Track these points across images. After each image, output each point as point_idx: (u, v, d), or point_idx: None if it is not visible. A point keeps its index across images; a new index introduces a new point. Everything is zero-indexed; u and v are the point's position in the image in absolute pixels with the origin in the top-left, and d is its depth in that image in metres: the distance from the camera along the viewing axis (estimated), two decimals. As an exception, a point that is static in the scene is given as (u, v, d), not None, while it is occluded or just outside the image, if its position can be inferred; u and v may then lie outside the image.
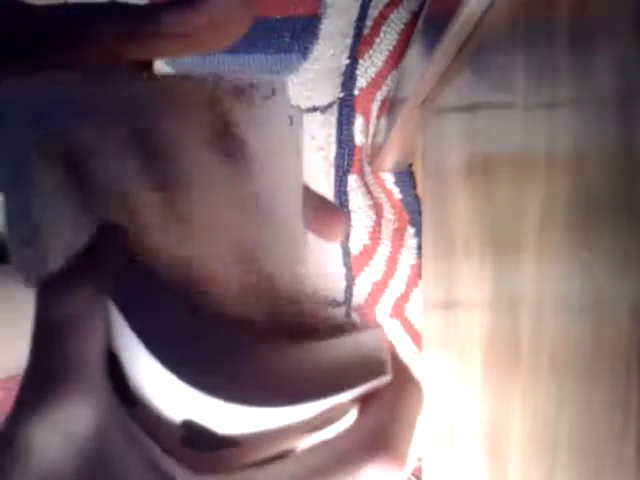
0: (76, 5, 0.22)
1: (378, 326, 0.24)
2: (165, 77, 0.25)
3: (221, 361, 0.21)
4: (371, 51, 0.77)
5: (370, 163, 0.80)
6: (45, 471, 0.18)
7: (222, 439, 0.21)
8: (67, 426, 0.18)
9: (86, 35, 0.21)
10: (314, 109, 0.79)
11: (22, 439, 0.18)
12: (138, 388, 0.21)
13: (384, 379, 0.22)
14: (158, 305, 0.21)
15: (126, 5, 0.22)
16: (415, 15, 0.76)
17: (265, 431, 0.21)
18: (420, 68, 0.55)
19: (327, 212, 0.28)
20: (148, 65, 0.25)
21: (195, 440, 0.21)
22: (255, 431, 0.21)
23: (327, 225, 0.28)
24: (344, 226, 0.28)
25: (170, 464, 0.20)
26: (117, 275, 0.21)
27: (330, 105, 0.79)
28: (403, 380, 0.23)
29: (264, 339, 0.22)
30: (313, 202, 0.27)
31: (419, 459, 0.78)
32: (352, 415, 0.22)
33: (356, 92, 0.78)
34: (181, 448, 0.20)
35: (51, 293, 0.20)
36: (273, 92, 0.26)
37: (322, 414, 0.21)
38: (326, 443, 0.21)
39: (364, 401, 0.22)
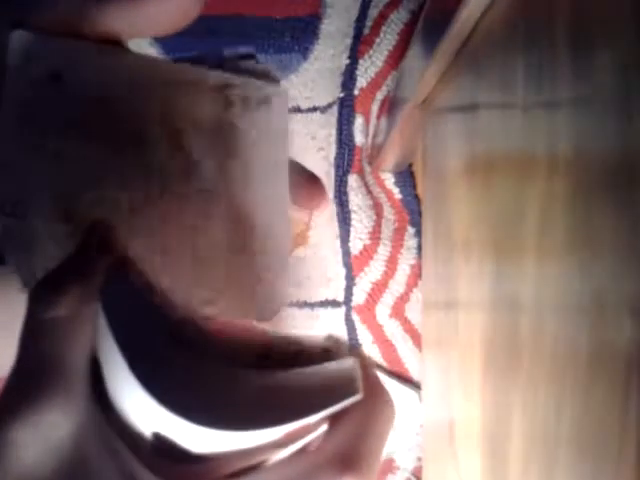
0: None
1: (354, 351, 0.24)
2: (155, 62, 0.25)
3: (194, 383, 0.21)
4: (371, 51, 0.77)
5: (370, 163, 0.80)
6: (22, 472, 0.18)
7: (191, 455, 0.21)
8: (47, 430, 0.18)
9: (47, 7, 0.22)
10: (314, 109, 0.79)
11: (3, 440, 0.18)
12: (114, 395, 0.21)
13: (355, 398, 0.22)
14: (143, 318, 0.21)
15: None
16: (415, 15, 0.76)
17: (235, 451, 0.21)
18: (420, 68, 0.55)
19: (308, 183, 0.28)
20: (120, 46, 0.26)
21: (164, 453, 0.21)
22: (224, 451, 0.21)
23: (309, 196, 0.28)
24: (326, 195, 0.28)
25: (142, 473, 0.20)
26: (106, 281, 0.21)
27: (330, 105, 0.79)
28: (374, 397, 0.23)
29: (239, 364, 0.23)
30: (295, 174, 0.27)
31: (419, 459, 0.78)
32: (322, 430, 0.22)
33: (356, 92, 0.78)
34: (152, 458, 0.20)
35: (41, 295, 0.20)
36: (266, 98, 0.26)
37: (293, 433, 0.21)
38: (294, 459, 0.22)
39: (334, 417, 0.22)
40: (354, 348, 0.25)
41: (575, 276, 0.29)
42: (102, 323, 0.21)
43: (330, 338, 0.25)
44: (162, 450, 0.21)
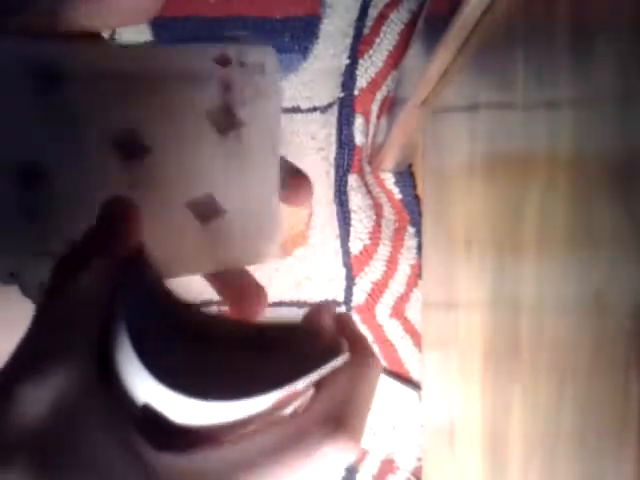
0: None
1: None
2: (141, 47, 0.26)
3: (188, 361, 0.22)
4: (371, 51, 0.77)
5: (370, 163, 0.80)
6: (24, 427, 0.19)
7: (176, 426, 0.22)
8: (50, 391, 0.19)
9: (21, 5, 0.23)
10: (314, 109, 0.79)
11: (9, 397, 0.19)
12: (118, 367, 0.22)
13: (342, 359, 0.22)
14: (151, 303, 0.22)
15: None
16: (415, 15, 0.76)
17: (224, 423, 0.22)
18: (420, 68, 0.55)
19: (294, 178, 0.29)
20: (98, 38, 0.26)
21: (151, 422, 0.21)
22: (212, 422, 0.22)
23: (295, 191, 0.29)
24: (311, 191, 0.29)
25: (136, 439, 0.21)
26: (122, 268, 0.22)
27: (330, 105, 0.79)
28: (360, 357, 0.23)
29: (233, 345, 0.23)
30: (282, 169, 0.28)
31: (419, 459, 0.78)
32: (309, 394, 0.23)
33: (356, 92, 0.78)
34: (142, 426, 0.21)
35: (63, 268, 0.21)
36: (260, 60, 0.26)
37: (281, 400, 0.22)
38: (283, 423, 0.22)
39: (322, 379, 0.23)
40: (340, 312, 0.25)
41: (575, 275, 0.29)
42: (116, 302, 0.22)
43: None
44: (150, 420, 0.21)
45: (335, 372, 0.22)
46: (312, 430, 0.21)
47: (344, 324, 0.25)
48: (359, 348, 0.23)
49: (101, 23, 0.25)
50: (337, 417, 0.21)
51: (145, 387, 0.21)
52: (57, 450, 0.19)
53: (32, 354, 0.20)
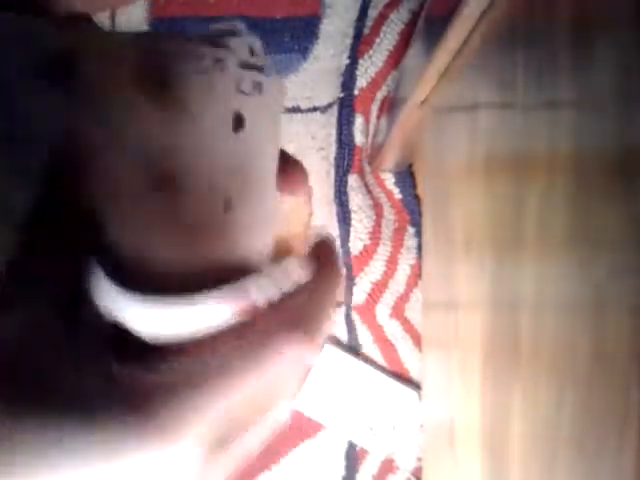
0: None
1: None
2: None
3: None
4: (371, 51, 0.77)
5: (370, 163, 0.80)
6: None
7: (149, 344, 0.22)
8: (18, 322, 0.20)
9: None
10: (314, 109, 0.79)
11: None
12: (88, 290, 0.22)
13: (293, 261, 0.24)
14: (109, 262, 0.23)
15: None
16: (415, 15, 0.76)
17: (191, 337, 0.22)
18: (420, 67, 0.55)
19: (290, 167, 0.29)
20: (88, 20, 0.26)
21: (123, 341, 0.22)
22: (178, 334, 0.22)
23: (288, 178, 0.29)
24: (305, 177, 0.29)
25: (108, 358, 0.21)
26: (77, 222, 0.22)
27: (330, 105, 0.79)
28: (323, 274, 0.24)
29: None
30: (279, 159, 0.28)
31: (419, 459, 0.78)
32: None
33: (356, 92, 0.78)
34: (114, 346, 0.22)
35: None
36: (249, 45, 0.26)
37: (241, 313, 0.22)
38: (245, 326, 0.23)
39: (284, 296, 0.23)
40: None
41: (575, 275, 0.29)
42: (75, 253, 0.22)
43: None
44: (121, 338, 0.22)
45: (297, 289, 0.23)
46: (274, 331, 0.22)
47: (320, 247, 0.25)
48: (326, 267, 0.24)
49: (98, 5, 0.25)
50: (299, 318, 0.22)
51: (114, 303, 0.22)
52: (24, 379, 0.20)
53: (10, 291, 0.21)
